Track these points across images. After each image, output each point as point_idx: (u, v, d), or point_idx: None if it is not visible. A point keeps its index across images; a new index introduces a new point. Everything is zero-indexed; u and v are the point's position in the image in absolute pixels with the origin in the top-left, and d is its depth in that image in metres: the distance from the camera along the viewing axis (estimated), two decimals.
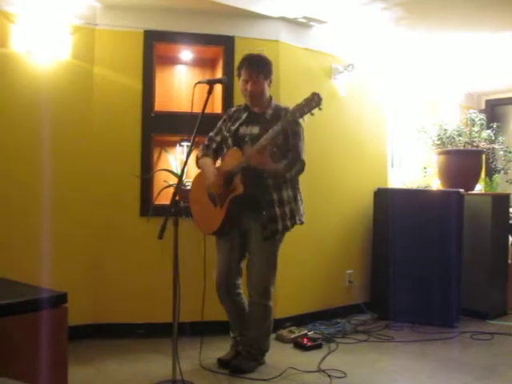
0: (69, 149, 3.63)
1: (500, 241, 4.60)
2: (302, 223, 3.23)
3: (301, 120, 2.98)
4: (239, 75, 3.17)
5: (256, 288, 3.16)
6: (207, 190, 3.16)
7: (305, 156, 3.12)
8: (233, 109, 3.35)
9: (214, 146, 3.28)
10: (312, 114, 2.85)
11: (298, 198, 3.20)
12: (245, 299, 3.30)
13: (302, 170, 3.12)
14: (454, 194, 4.30)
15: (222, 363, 3.23)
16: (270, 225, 3.06)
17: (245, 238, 3.20)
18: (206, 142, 3.31)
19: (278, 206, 3.07)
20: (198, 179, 3.29)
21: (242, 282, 3.29)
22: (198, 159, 3.31)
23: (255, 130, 3.09)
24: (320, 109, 2.82)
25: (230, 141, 3.17)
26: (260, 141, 2.93)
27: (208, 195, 3.16)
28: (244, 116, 3.19)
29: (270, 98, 3.22)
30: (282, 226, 3.09)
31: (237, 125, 3.17)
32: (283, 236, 3.20)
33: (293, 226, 3.16)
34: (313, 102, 2.80)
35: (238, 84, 3.22)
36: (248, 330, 3.24)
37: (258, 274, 3.15)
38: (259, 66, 3.13)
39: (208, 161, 3.25)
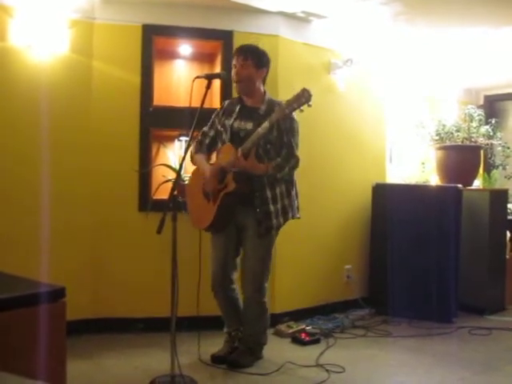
0: (67, 143, 3.62)
1: (498, 236, 4.60)
2: (297, 218, 3.23)
3: (295, 115, 2.97)
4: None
5: (251, 284, 3.16)
6: (202, 186, 3.15)
7: (299, 152, 3.11)
8: (226, 102, 3.33)
9: (207, 140, 3.27)
10: (301, 111, 2.83)
11: (293, 192, 3.18)
12: (239, 294, 3.31)
13: (296, 166, 3.11)
14: (452, 190, 4.30)
15: (216, 359, 3.21)
16: (264, 222, 3.06)
17: (240, 234, 3.20)
18: (199, 137, 3.29)
19: (272, 203, 3.06)
20: (195, 175, 3.29)
21: (236, 277, 3.29)
22: (192, 156, 3.30)
23: (249, 125, 3.08)
24: (309, 105, 2.81)
25: (224, 135, 3.16)
26: (245, 144, 2.93)
27: (202, 191, 3.16)
28: (237, 109, 3.17)
29: (264, 92, 3.20)
30: (276, 223, 3.09)
31: (232, 120, 3.16)
32: (277, 232, 3.19)
33: (285, 221, 3.16)
34: (302, 98, 2.79)
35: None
36: (246, 327, 3.25)
37: (253, 271, 3.15)
38: (248, 52, 3.10)
39: (202, 158, 3.23)
